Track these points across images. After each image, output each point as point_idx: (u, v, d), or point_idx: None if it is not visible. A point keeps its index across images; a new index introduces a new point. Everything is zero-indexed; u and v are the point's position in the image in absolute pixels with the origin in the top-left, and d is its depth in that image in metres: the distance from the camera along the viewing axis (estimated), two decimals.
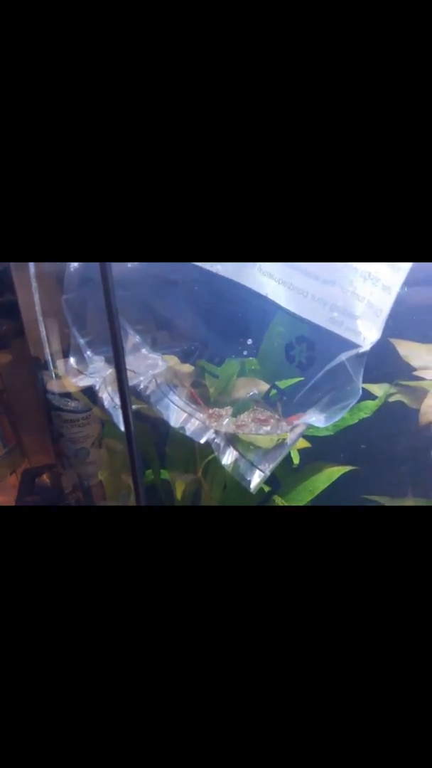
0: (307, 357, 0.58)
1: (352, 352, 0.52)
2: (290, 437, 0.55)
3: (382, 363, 0.66)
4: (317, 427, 0.56)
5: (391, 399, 0.69)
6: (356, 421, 0.68)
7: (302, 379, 0.62)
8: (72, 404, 0.79)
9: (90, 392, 0.76)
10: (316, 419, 0.54)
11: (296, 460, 0.67)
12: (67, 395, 0.78)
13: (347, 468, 0.68)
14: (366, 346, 0.53)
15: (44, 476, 0.89)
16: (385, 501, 0.70)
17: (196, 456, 0.70)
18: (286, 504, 0.67)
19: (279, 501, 0.68)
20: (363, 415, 0.69)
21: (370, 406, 0.69)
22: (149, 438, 0.73)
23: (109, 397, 0.67)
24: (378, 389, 0.70)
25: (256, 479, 0.55)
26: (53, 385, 0.79)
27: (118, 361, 0.51)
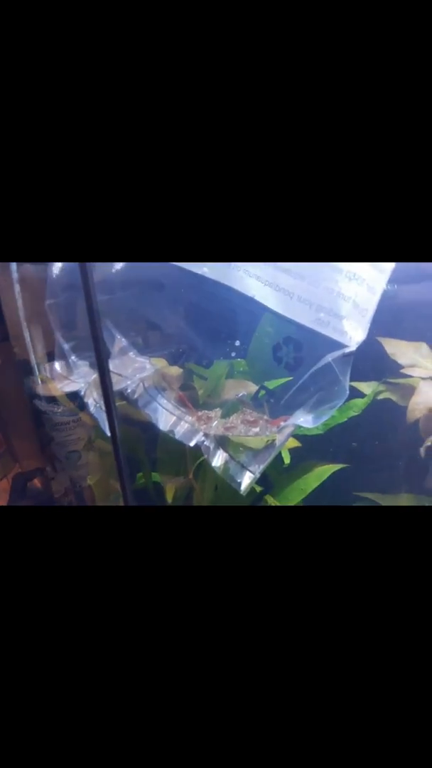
0: (295, 358, 0.58)
1: (339, 352, 0.52)
2: (279, 438, 0.55)
3: (370, 361, 0.66)
4: (307, 427, 0.55)
5: (380, 397, 0.69)
6: (345, 419, 0.69)
7: (291, 379, 0.62)
8: (61, 408, 0.78)
9: (77, 396, 0.75)
10: (304, 419, 0.54)
11: (287, 459, 0.67)
12: (54, 400, 0.77)
13: (338, 466, 0.67)
14: (352, 345, 0.53)
15: (36, 480, 0.88)
16: (377, 498, 0.70)
17: (186, 459, 0.70)
18: (277, 504, 0.67)
19: (271, 501, 0.68)
20: (352, 413, 0.69)
21: (359, 404, 0.70)
22: (139, 441, 0.72)
23: (94, 401, 0.66)
24: (366, 387, 0.70)
25: (246, 480, 0.54)
26: (40, 390, 0.78)
27: (101, 365, 0.51)
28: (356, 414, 0.69)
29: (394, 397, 0.69)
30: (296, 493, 0.67)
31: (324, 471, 0.68)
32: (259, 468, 0.54)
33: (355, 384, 0.68)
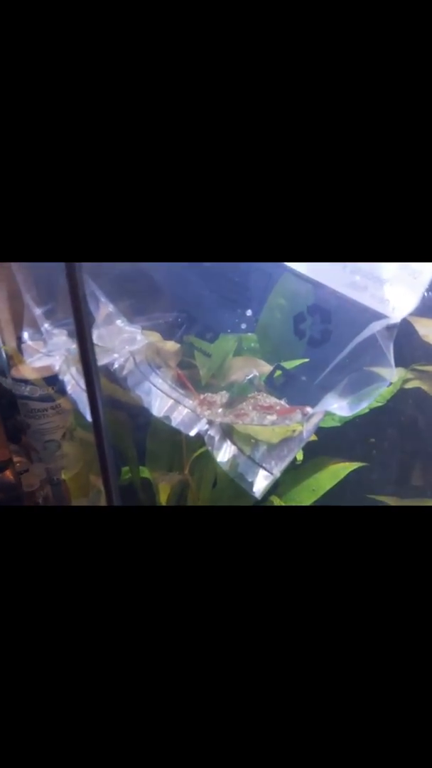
0: (322, 331, 0.49)
1: (383, 322, 0.44)
2: (306, 428, 0.46)
3: (397, 344, 0.61)
4: (342, 415, 0.49)
5: (408, 385, 0.63)
6: (367, 410, 0.61)
7: (308, 360, 0.55)
8: (38, 392, 0.72)
9: (56, 378, 0.68)
10: (339, 406, 0.46)
11: (300, 456, 0.60)
12: (24, 381, 0.70)
13: (356, 465, 0.62)
14: (397, 317, 0.45)
15: (8, 472, 0.84)
16: (399, 503, 0.64)
17: (182, 451, 0.63)
18: (285, 505, 0.61)
19: (277, 502, 0.62)
20: (375, 403, 0.62)
21: (384, 393, 0.62)
22: (126, 429, 0.66)
23: (73, 379, 0.59)
24: None
25: (261, 481, 0.46)
26: (12, 370, 0.72)
27: (82, 334, 0.43)
28: (380, 404, 0.62)
29: (425, 387, 0.63)
30: (307, 493, 0.62)
31: (340, 470, 0.62)
32: (278, 466, 0.46)
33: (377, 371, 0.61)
